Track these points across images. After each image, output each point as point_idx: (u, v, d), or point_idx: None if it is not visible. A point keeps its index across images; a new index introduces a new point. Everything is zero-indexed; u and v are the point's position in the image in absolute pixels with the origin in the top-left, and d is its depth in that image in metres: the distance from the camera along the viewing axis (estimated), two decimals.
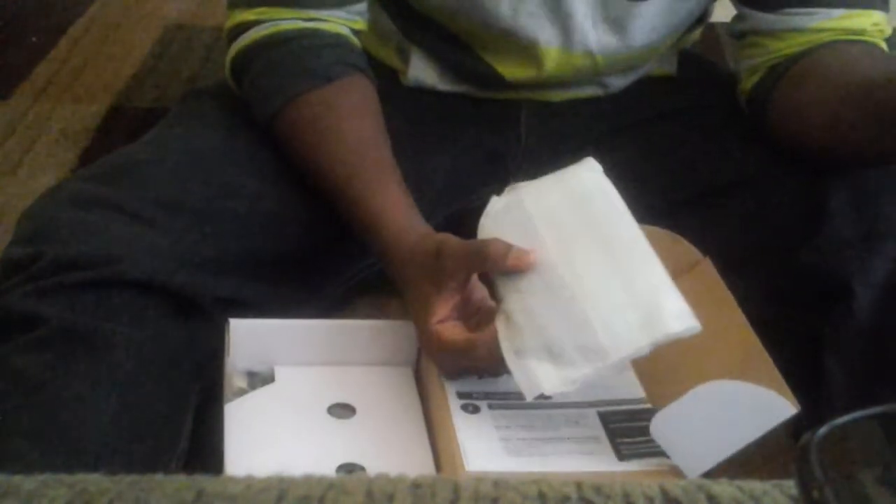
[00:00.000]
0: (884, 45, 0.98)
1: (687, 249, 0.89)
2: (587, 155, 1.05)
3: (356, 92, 0.94)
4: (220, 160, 0.92)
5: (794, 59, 0.97)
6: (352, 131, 0.91)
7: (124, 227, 0.83)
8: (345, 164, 0.89)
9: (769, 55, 0.99)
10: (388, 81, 1.01)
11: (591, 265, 0.73)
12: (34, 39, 1.85)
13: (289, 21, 0.94)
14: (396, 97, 1.01)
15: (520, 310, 0.74)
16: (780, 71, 0.97)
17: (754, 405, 0.72)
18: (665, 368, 0.81)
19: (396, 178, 0.89)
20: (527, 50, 1.01)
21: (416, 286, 0.80)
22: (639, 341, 0.71)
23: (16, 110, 1.60)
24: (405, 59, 1.07)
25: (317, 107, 0.92)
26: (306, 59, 0.93)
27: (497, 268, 0.76)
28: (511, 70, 1.04)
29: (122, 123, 1.56)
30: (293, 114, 0.92)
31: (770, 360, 0.76)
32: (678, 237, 0.88)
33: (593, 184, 0.78)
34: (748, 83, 1.01)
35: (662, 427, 0.74)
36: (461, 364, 0.80)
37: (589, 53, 1.01)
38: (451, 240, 0.79)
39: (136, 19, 1.96)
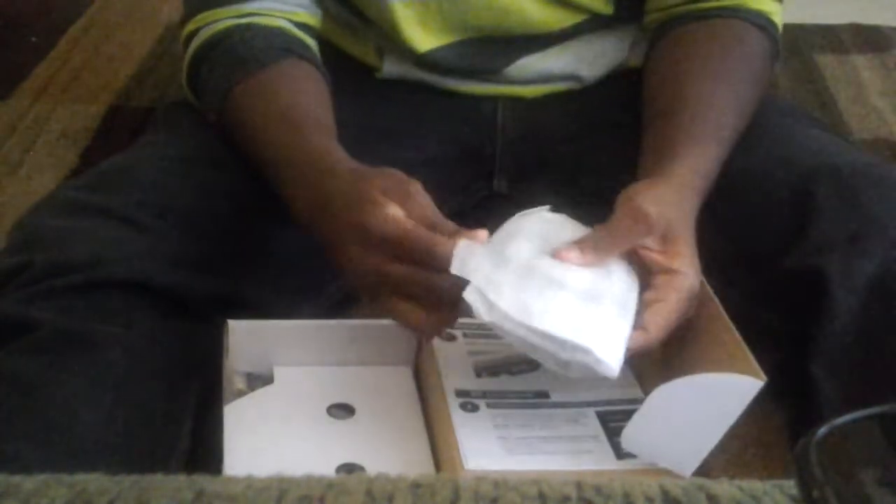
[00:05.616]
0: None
1: None
2: (568, 150, 1.06)
3: (291, 73, 0.95)
4: (201, 162, 0.93)
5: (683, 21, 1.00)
6: (287, 108, 0.91)
7: (111, 230, 0.84)
8: (279, 140, 0.88)
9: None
10: (362, 77, 1.02)
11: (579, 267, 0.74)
12: (34, 39, 1.84)
13: (224, 21, 0.97)
14: (371, 93, 1.02)
15: (493, 250, 0.72)
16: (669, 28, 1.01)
17: (718, 392, 0.70)
18: (658, 371, 0.80)
19: (332, 136, 0.88)
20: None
21: (348, 184, 0.77)
22: (563, 334, 0.69)
23: (16, 110, 1.59)
24: (381, 57, 1.08)
25: (250, 94, 0.93)
26: (238, 51, 0.94)
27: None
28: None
29: (122, 123, 1.56)
30: (231, 106, 0.93)
31: (734, 331, 0.74)
32: None
33: (558, 217, 0.79)
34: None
35: (634, 440, 0.73)
36: (385, 269, 0.75)
37: None
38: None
39: (136, 19, 1.95)
